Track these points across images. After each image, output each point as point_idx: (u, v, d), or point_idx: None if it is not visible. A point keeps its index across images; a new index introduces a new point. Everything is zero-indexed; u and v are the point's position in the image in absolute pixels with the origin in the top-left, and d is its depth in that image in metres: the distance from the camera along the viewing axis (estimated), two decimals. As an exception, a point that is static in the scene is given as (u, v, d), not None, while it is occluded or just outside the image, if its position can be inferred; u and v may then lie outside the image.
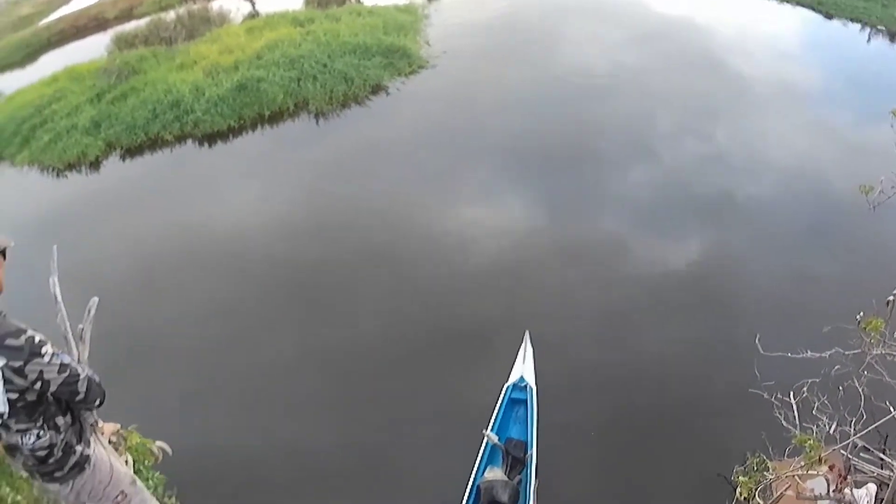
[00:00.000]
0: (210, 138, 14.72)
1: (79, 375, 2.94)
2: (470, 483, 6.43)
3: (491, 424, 7.00)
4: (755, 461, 6.36)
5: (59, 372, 2.85)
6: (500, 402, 7.30)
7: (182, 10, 17.33)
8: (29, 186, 15.80)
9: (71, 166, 15.57)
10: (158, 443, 4.88)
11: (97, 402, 3.09)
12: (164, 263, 11.42)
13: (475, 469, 6.60)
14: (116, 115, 15.61)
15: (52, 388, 2.87)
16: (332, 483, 7.20)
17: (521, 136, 13.42)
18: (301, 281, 10.42)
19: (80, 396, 2.98)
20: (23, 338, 2.75)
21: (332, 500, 7.04)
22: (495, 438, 6.74)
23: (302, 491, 7.20)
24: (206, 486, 7.07)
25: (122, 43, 17.82)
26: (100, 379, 3.09)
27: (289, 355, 9.05)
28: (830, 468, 5.86)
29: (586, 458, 7.35)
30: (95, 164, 15.30)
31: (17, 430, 2.92)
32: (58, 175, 15.75)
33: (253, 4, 19.01)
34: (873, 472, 6.16)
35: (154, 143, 14.96)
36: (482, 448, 6.82)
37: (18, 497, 6.14)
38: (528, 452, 6.73)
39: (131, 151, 15.08)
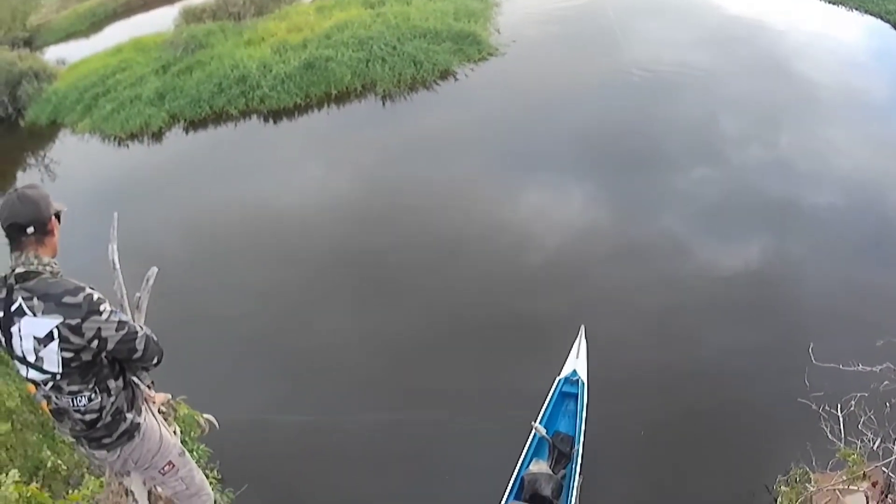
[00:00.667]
0: (275, 115, 14.58)
1: (137, 333, 2.84)
2: (514, 474, 6.38)
3: (540, 417, 6.97)
4: (798, 472, 6.31)
5: (118, 329, 2.77)
6: (550, 394, 7.30)
7: (252, -15, 17.18)
8: (90, 154, 15.83)
9: (133, 136, 15.56)
10: (206, 415, 4.71)
11: (155, 361, 2.99)
12: (223, 237, 11.37)
13: (521, 460, 6.56)
14: (181, 87, 15.55)
15: (110, 346, 2.77)
16: (377, 463, 7.15)
17: (586, 130, 13.08)
18: (359, 262, 10.30)
19: (138, 354, 2.87)
20: (81, 295, 2.69)
21: (376, 480, 6.96)
22: (543, 431, 6.72)
23: (346, 470, 7.14)
24: (249, 462, 7.04)
25: (190, 16, 17.79)
26: (157, 338, 2.97)
27: (342, 335, 8.96)
28: (873, 484, 5.84)
29: (631, 457, 7.28)
30: (158, 135, 15.26)
31: (69, 392, 2.82)
32: (119, 144, 15.74)
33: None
34: None
35: (218, 117, 14.88)
36: (529, 440, 6.80)
37: (59, 461, 6.22)
38: (575, 447, 6.71)
39: (195, 124, 15.01)
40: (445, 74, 15.09)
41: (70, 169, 15.32)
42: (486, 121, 13.70)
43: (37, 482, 5.47)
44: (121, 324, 2.78)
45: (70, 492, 5.40)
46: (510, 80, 14.97)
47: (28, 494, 4.86)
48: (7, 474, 5.07)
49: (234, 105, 14.75)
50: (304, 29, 15.98)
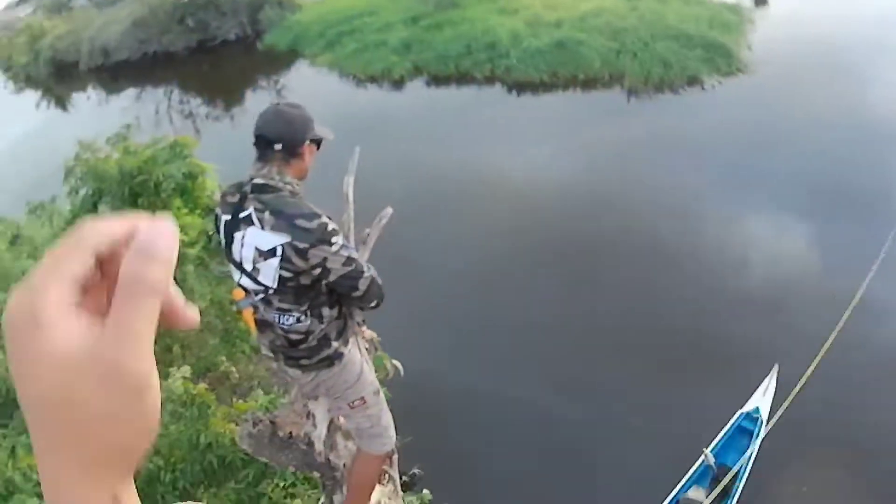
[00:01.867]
0: (520, 87, 14.82)
1: (363, 272, 2.73)
2: (671, 496, 6.40)
3: (712, 445, 6.93)
4: None
5: (344, 265, 2.66)
6: (728, 426, 7.26)
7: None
8: (328, 87, 16.62)
9: (373, 79, 16.24)
10: (395, 361, 4.78)
11: (374, 304, 2.88)
12: (446, 195, 11.73)
13: (681, 483, 6.56)
14: (429, 42, 16.05)
15: (332, 278, 2.67)
16: (532, 452, 7.27)
17: (825, 169, 12.35)
18: (569, 252, 10.35)
19: (359, 293, 2.77)
20: (316, 222, 2.59)
21: (528, 468, 7.06)
22: (712, 459, 6.69)
23: (499, 450, 7.29)
24: (418, 416, 7.01)
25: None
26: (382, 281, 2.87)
27: (533, 318, 9.03)
28: None
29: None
30: (399, 83, 15.85)
31: (278, 308, 2.75)
32: (358, 84, 16.45)
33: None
34: None
35: (462, 78, 15.30)
36: (695, 466, 6.75)
37: (232, 368, 6.45)
38: (738, 483, 6.63)
39: (438, 80, 15.48)
40: (693, 81, 14.81)
41: (305, 98, 16.03)
42: (729, 139, 13.32)
43: (205, 383, 5.57)
44: (349, 259, 2.68)
45: (237, 401, 5.52)
46: (759, 101, 14.49)
47: (194, 392, 4.99)
48: (179, 368, 5.27)
49: (480, 69, 15.14)
50: (559, 8, 16.12)
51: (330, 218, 2.67)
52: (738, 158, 12.84)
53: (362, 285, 2.74)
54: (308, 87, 17.08)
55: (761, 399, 7.58)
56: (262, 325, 2.85)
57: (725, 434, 7.21)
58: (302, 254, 2.58)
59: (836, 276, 10.09)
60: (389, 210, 4.08)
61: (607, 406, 7.87)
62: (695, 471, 6.76)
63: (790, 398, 6.53)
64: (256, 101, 17.11)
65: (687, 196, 11.71)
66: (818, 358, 7.07)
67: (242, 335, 6.44)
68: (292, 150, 2.68)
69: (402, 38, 16.47)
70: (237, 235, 2.68)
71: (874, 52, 16.32)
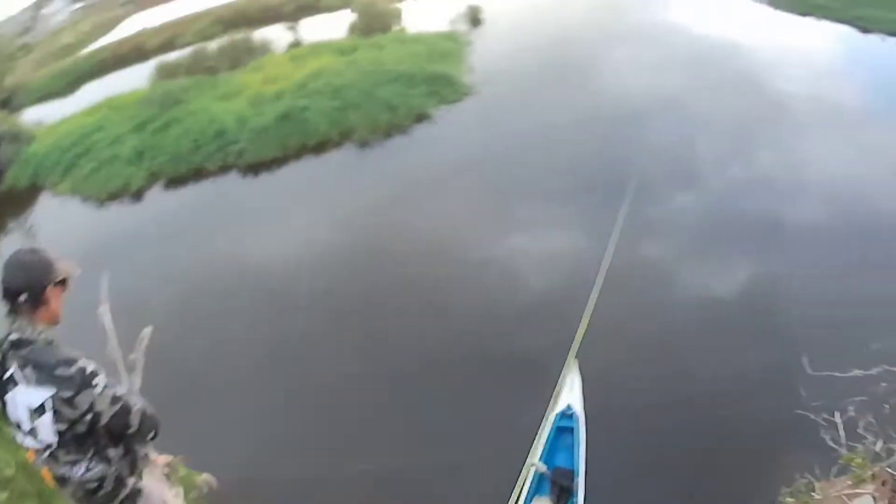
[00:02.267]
0: (254, 168, 14.59)
1: (132, 408, 2.78)
2: None
3: (538, 453, 6.97)
4: (802, 484, 6.21)
5: (112, 404, 2.69)
6: (546, 430, 7.29)
7: (225, 39, 17.27)
8: (72, 215, 15.80)
9: (114, 196, 15.56)
10: (204, 475, 4.63)
11: (151, 435, 2.95)
12: (211, 293, 11.32)
13: (521, 499, 6.54)
14: (160, 145, 15.59)
15: (104, 420, 2.70)
16: None
17: (562, 163, 13.19)
18: (345, 310, 10.28)
19: (133, 429, 2.82)
20: (74, 367, 2.62)
21: None
22: (544, 468, 6.71)
23: None
24: None
25: (165, 72, 17.88)
26: (153, 411, 2.94)
27: (333, 383, 8.91)
28: (882, 483, 5.79)
29: (633, 486, 7.21)
30: (138, 195, 15.25)
31: (66, 462, 2.75)
32: (100, 205, 15.72)
33: (295, 34, 18.97)
34: None
35: (198, 174, 14.87)
36: (529, 478, 6.75)
37: None
38: (576, 480, 6.74)
39: (175, 182, 15.00)
40: (421, 117, 15.18)
41: (52, 232, 15.25)
42: (463, 162, 13.71)
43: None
44: (115, 398, 2.70)
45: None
46: (485, 120, 15.09)
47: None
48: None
49: (213, 161, 14.78)
50: (278, 80, 16.10)
51: (88, 358, 2.67)
52: (478, 176, 13.26)
53: (134, 420, 2.77)
54: (53, 219, 16.13)
55: (570, 395, 7.66)
56: (60, 481, 2.82)
57: (548, 439, 7.21)
58: (69, 403, 2.60)
59: (599, 258, 10.58)
60: (148, 329, 4.04)
61: (436, 448, 7.77)
62: (532, 483, 6.72)
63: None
64: (7, 248, 16.05)
65: (441, 225, 11.92)
66: (580, 334, 7.54)
67: (56, 493, 6.02)
68: (37, 298, 2.67)
69: (133, 147, 15.88)
70: (8, 398, 2.67)
71: (583, 57, 17.55)
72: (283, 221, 12.90)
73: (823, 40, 19.43)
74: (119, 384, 3.03)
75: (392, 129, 14.87)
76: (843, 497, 5.72)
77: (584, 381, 7.80)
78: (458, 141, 14.49)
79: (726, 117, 14.66)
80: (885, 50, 18.95)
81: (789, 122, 14.69)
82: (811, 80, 16.44)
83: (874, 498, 5.71)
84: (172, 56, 19.04)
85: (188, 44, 18.17)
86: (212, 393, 9.06)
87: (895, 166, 12.67)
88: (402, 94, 15.34)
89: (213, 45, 17.52)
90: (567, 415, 7.47)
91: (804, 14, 20.74)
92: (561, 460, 7.12)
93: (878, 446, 5.67)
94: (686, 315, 9.57)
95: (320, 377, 9.07)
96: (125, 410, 2.75)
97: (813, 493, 5.96)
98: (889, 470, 5.58)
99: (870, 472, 5.10)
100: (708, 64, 17.33)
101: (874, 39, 19.33)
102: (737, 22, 20.53)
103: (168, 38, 22.96)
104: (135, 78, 20.10)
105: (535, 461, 6.69)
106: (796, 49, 18.69)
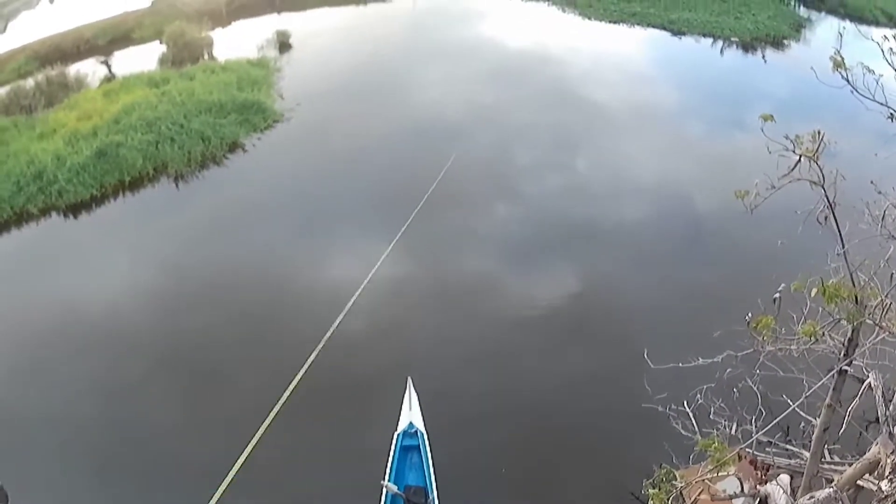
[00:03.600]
0: (74, 209, 14.89)
1: None
2: None
3: (387, 474, 7.24)
4: (662, 473, 6.61)
5: None
6: (392, 450, 7.57)
7: (41, 76, 17.63)
8: None
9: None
10: None
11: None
12: (37, 341, 11.47)
13: None
14: (-20, 190, 15.82)
15: None
16: None
17: (372, 181, 14.17)
18: (176, 346, 10.77)
19: None
20: None
21: None
22: (395, 488, 7.00)
23: None
24: None
25: (-20, 114, 17.89)
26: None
27: (171, 423, 9.32)
28: (750, 462, 6.38)
29: (490, 493, 7.65)
30: (-40, 243, 15.37)
31: None
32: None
33: (109, 67, 19.46)
34: (785, 464, 6.50)
35: (21, 218, 14.90)
36: (382, 500, 7.04)
37: None
38: (430, 497, 7.05)
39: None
40: (234, 147, 16.14)
41: None
42: (276, 189, 14.81)
43: None
44: None
45: None
46: (295, 146, 16.20)
47: None
48: None
49: (34, 203, 14.96)
50: (93, 116, 16.51)
51: None
52: (291, 201, 14.33)
53: None
54: None
55: (410, 414, 7.91)
56: None
57: (394, 458, 7.40)
58: None
59: (424, 276, 11.17)
60: None
61: (281, 480, 7.81)
62: None
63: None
64: None
65: (260, 253, 12.80)
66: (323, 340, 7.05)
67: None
68: None
69: (-48, 194, 16.10)
70: None
71: (394, 75, 18.61)
72: (104, 264, 13.22)
73: (637, 46, 21.15)
74: None
75: (206, 160, 15.75)
76: (707, 481, 6.02)
77: (420, 398, 8.22)
78: (269, 169, 15.50)
79: (540, 126, 15.93)
80: (697, 50, 20.87)
81: (604, 127, 15.98)
82: (625, 85, 18.10)
83: (738, 479, 6.24)
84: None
85: (5, 82, 18.30)
86: (44, 443, 9.12)
87: (708, 161, 14.23)
88: (213, 124, 16.26)
89: (29, 83, 17.76)
90: (410, 433, 7.79)
91: (615, 22, 22.10)
92: (412, 479, 7.45)
93: (733, 429, 6.14)
94: (520, 325, 9.99)
95: (154, 418, 9.18)
96: None
97: (675, 482, 6.30)
98: (748, 450, 6.01)
99: (729, 455, 5.09)
100: (521, 75, 18.67)
101: (688, 41, 21.29)
102: (549, 33, 21.86)
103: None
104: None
105: (384, 482, 6.99)
106: (609, 55, 20.32)
